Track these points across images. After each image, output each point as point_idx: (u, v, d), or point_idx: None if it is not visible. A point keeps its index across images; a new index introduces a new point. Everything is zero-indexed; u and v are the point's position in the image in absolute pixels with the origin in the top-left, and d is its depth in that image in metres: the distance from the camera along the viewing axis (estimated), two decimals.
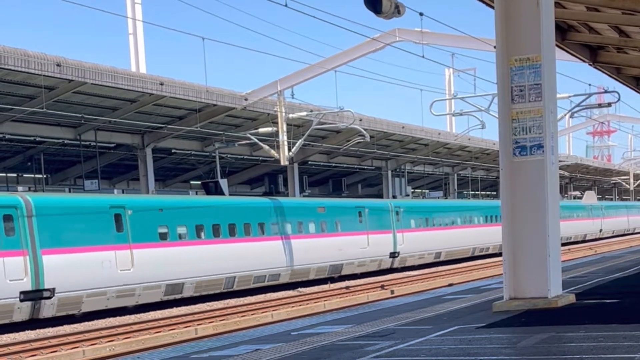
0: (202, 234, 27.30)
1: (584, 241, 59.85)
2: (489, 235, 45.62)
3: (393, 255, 37.81)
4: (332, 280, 32.99)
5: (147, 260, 24.67)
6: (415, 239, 39.39)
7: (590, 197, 66.04)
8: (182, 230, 26.52)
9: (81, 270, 22.79)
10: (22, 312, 21.51)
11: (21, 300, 21.33)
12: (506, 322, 8.73)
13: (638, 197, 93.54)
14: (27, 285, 21.40)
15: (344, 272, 34.54)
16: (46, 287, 21.87)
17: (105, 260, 23.42)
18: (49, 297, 21.98)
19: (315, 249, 32.33)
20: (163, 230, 25.79)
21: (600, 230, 65.58)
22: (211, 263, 27.21)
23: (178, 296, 26.05)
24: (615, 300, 10.32)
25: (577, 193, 69.60)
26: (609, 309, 9.57)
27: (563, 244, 61.20)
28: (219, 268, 27.51)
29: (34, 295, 21.66)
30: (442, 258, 42.89)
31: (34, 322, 21.79)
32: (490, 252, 47.06)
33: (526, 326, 8.28)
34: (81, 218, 23.25)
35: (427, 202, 45.24)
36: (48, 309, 22.13)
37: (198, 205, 28.04)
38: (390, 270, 37.54)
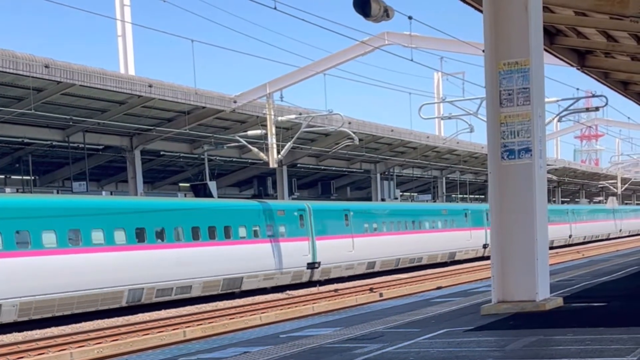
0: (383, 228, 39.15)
1: (607, 239, 71.06)
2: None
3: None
4: (320, 282, 33.03)
5: (361, 245, 36.67)
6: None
7: (612, 202, 75.28)
8: (375, 225, 38.53)
9: (332, 250, 34.61)
10: (305, 276, 33.59)
11: (306, 268, 33.56)
12: (494, 325, 8.76)
13: (626, 201, 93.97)
14: (309, 259, 33.56)
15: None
16: (317, 260, 33.87)
17: (343, 244, 35.36)
18: (317, 267, 33.88)
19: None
20: (368, 225, 38.01)
21: (620, 230, 76.32)
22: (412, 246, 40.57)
23: (370, 271, 37.93)
24: (602, 304, 10.36)
25: (602, 198, 78.80)
26: (596, 313, 9.61)
27: (583, 243, 65.23)
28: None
29: (312, 265, 33.72)
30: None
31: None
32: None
33: (514, 329, 8.31)
34: (332, 217, 35.43)
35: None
36: (316, 275, 34.21)
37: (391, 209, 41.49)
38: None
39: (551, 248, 50.75)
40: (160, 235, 26.88)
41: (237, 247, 29.75)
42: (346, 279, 35.68)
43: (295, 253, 32.55)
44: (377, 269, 38.24)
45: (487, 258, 34.72)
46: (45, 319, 22.68)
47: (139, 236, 26.01)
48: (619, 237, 74.02)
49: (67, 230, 23.68)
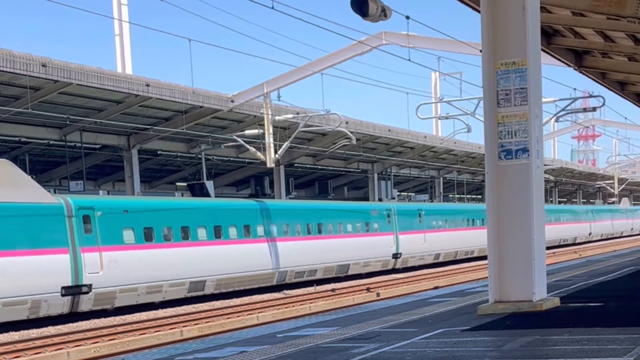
0: (446, 225, 44.37)
1: (621, 237, 76.80)
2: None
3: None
4: (317, 282, 33.01)
5: (430, 239, 42.02)
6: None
7: (625, 203, 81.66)
8: (440, 222, 43.64)
9: (409, 244, 40.08)
10: (391, 264, 39.30)
11: (392, 258, 39.15)
12: (491, 325, 8.76)
13: (634, 202, 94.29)
14: (394, 250, 38.99)
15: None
16: (400, 251, 39.33)
17: (417, 238, 40.95)
18: (399, 257, 39.43)
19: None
20: (435, 222, 42.91)
21: (632, 229, 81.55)
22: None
23: (436, 261, 43.27)
24: (599, 304, 10.38)
25: (615, 199, 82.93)
26: (593, 313, 9.62)
27: (593, 241, 67.38)
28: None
29: (395, 256, 39.23)
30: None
31: (73, 315, 22.32)
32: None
33: (511, 329, 8.31)
34: (409, 215, 40.87)
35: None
36: (398, 263, 39.69)
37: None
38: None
39: (574, 244, 63.40)
40: (308, 230, 34.03)
41: (347, 240, 36.02)
42: (417, 267, 41.33)
43: (384, 245, 38.60)
44: (441, 259, 44.05)
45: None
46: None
47: (297, 230, 33.10)
48: (631, 235, 79.16)
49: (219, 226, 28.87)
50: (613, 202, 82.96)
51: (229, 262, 28.76)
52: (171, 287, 26.34)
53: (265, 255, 30.80)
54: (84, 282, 23.36)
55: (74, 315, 23.20)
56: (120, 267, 24.47)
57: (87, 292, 23.45)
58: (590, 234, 68.22)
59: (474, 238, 45.78)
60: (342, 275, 35.75)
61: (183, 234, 27.17)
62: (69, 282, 22.92)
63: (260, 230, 30.77)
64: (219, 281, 28.34)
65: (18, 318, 21.68)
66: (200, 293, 27.52)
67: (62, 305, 22.94)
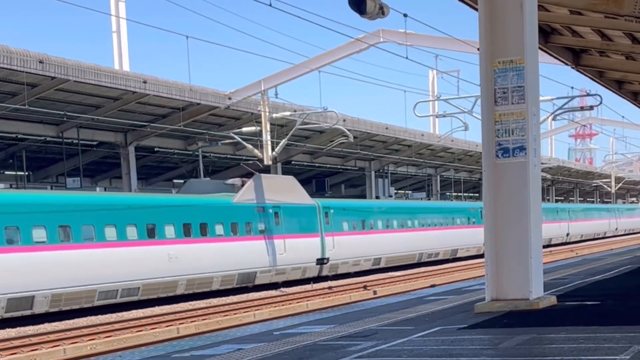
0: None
1: (637, 232, 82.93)
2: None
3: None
4: (314, 280, 33.02)
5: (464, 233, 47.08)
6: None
7: None
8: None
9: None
10: (471, 252, 46.94)
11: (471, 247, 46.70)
12: (488, 324, 8.76)
13: (622, 200, 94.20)
14: (479, 241, 42.80)
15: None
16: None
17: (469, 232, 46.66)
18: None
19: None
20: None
21: None
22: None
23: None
24: (596, 302, 10.38)
25: (635, 199, 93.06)
26: (590, 311, 9.63)
27: (619, 235, 73.55)
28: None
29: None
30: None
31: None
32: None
33: (508, 327, 8.31)
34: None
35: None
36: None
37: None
38: None
39: (597, 239, 71.54)
40: (386, 225, 39.78)
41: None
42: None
43: (470, 236, 45.53)
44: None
45: None
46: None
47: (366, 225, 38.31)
48: None
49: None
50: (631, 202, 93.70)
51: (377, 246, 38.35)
52: (365, 261, 37.71)
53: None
54: (326, 256, 34.49)
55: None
56: (342, 247, 35.24)
57: (326, 263, 34.56)
58: (616, 229, 78.65)
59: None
60: (416, 262, 42.96)
61: (373, 225, 38.51)
62: (319, 256, 34.13)
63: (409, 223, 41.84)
64: (388, 259, 39.57)
65: (295, 278, 32.71)
66: (376, 267, 38.49)
67: (315, 270, 34.13)
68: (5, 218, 22.20)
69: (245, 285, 30.16)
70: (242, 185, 30.88)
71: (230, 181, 31.65)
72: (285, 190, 32.61)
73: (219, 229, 29.12)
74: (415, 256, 42.47)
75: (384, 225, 39.52)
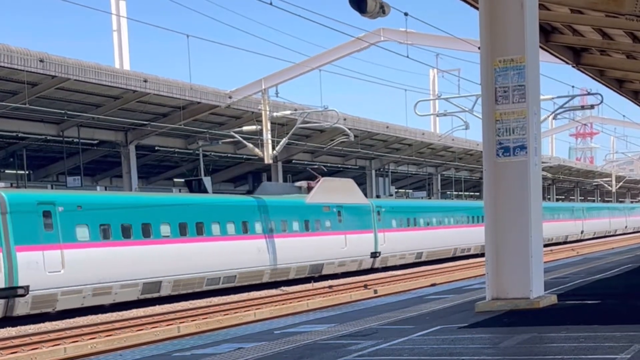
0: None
1: None
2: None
3: None
4: (314, 279, 33.02)
5: (546, 229, 48.09)
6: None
7: None
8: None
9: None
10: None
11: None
12: (488, 323, 8.76)
13: (620, 199, 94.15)
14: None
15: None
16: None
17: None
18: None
19: None
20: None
21: None
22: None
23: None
24: (596, 302, 10.38)
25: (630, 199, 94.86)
26: (590, 310, 9.62)
27: (629, 233, 76.49)
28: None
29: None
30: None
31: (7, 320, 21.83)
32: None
33: (508, 326, 8.31)
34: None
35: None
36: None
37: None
38: None
39: (614, 235, 76.84)
40: (427, 222, 43.03)
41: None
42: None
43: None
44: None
45: None
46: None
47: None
48: None
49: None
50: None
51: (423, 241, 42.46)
52: (409, 255, 41.28)
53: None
54: (378, 250, 38.07)
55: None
56: (391, 242, 38.92)
57: (378, 256, 38.25)
58: (626, 227, 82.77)
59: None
60: (451, 255, 45.66)
61: (417, 223, 41.99)
62: (372, 250, 37.76)
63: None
64: (429, 253, 43.16)
65: (352, 269, 36.34)
66: (418, 260, 42.06)
67: (369, 263, 37.83)
68: (421, 213, 37.98)
69: (312, 275, 33.73)
70: (307, 187, 34.89)
71: (297, 184, 36.11)
72: (345, 192, 36.49)
73: (296, 225, 32.83)
74: (451, 251, 45.98)
75: (425, 223, 43.04)
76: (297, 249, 32.35)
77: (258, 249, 30.34)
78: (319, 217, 34.23)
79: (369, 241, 37.59)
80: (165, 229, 26.81)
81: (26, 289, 21.77)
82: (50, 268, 22.40)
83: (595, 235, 72.04)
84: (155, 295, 26.07)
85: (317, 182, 35.24)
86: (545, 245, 60.28)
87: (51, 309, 22.74)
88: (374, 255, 38.12)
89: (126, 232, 25.27)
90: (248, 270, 29.77)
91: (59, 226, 22.87)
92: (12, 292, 21.54)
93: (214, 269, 28.23)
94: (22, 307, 21.88)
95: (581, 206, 71.61)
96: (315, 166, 38.44)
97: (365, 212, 37.59)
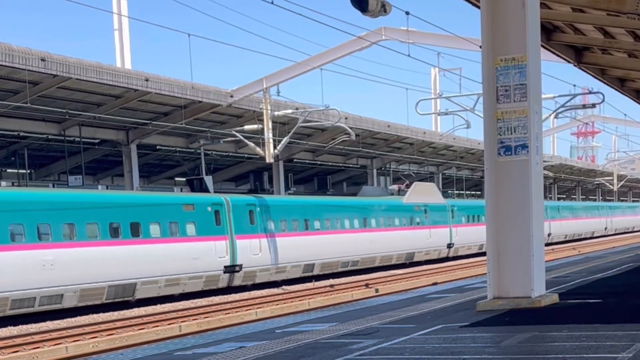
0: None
1: None
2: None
3: None
4: (316, 278, 33.01)
5: (556, 227, 59.31)
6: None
7: None
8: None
9: None
10: None
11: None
12: (490, 322, 8.76)
13: (622, 198, 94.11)
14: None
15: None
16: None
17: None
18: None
19: None
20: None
21: None
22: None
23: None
24: (598, 300, 10.37)
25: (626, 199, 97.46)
26: (591, 309, 9.62)
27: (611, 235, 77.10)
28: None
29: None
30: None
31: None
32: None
33: (510, 325, 8.31)
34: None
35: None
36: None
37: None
38: None
39: (632, 232, 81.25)
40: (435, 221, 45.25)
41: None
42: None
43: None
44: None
45: None
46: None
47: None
48: None
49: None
50: None
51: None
52: (474, 246, 46.94)
53: None
54: (452, 242, 45.29)
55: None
56: (461, 235, 45.80)
57: (452, 247, 45.46)
58: None
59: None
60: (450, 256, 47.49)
61: (478, 219, 45.61)
62: (448, 242, 45.24)
63: None
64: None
65: (434, 257, 43.52)
66: (480, 251, 45.49)
67: (445, 252, 45.04)
68: (470, 211, 46.91)
69: (406, 262, 40.79)
70: (398, 190, 42.27)
71: (390, 187, 43.69)
72: (429, 193, 43.88)
73: (397, 221, 40.21)
74: None
75: (484, 220, 46.98)
76: (398, 240, 39.79)
77: (371, 240, 37.38)
78: (412, 214, 41.78)
79: (445, 234, 44.91)
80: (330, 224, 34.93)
81: (240, 266, 29.48)
82: (254, 252, 30.06)
83: (616, 232, 77.09)
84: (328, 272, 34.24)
85: (406, 185, 43.11)
86: (573, 240, 60.97)
87: (251, 282, 30.22)
88: (449, 246, 45.40)
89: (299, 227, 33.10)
90: (366, 256, 37.23)
91: (257, 221, 30.39)
92: (233, 268, 29.22)
93: (346, 254, 35.91)
94: (237, 279, 29.63)
95: (605, 205, 78.22)
96: (406, 172, 46.99)
97: (443, 210, 44.80)
